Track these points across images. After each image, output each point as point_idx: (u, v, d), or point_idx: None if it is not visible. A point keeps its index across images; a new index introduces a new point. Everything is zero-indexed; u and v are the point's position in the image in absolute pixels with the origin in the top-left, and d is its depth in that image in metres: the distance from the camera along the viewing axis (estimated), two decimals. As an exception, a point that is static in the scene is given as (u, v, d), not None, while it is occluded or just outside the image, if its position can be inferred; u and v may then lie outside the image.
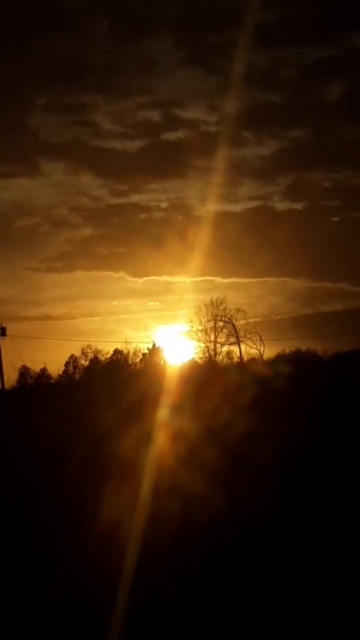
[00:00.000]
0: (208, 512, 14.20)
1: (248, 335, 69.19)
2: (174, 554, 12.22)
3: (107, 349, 79.51)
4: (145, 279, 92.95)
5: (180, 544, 12.78)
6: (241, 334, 69.35)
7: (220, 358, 69.07)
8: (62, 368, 77.67)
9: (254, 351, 68.93)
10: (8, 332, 62.67)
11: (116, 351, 76.51)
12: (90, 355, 76.92)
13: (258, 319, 75.95)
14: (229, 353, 69.93)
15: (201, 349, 69.63)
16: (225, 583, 11.07)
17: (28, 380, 75.85)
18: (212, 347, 69.34)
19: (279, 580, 11.04)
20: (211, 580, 11.21)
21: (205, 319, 69.55)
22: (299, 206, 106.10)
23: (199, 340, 69.88)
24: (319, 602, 10.35)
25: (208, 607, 10.25)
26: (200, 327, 69.69)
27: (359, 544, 12.81)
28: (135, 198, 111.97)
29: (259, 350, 68.80)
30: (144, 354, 75.00)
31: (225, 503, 14.90)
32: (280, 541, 12.95)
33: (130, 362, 74.70)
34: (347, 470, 18.98)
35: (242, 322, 70.09)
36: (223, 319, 69.69)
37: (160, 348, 74.71)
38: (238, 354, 69.14)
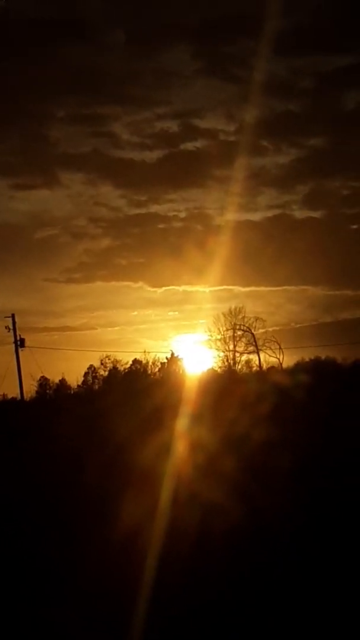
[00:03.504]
0: (227, 522, 14.09)
1: (267, 344, 69.18)
2: (192, 563, 12.11)
3: (126, 359, 79.76)
4: (164, 288, 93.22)
5: (199, 554, 12.68)
6: (260, 342, 69.33)
7: (240, 367, 69.06)
8: (81, 378, 77.94)
9: (273, 360, 68.89)
10: (27, 343, 62.66)
11: (135, 361, 76.70)
12: (109, 366, 77.14)
13: (277, 328, 75.93)
14: (248, 362, 69.91)
15: (220, 358, 69.67)
16: (244, 593, 10.95)
17: (47, 390, 76.07)
18: (231, 356, 69.34)
19: (298, 591, 10.90)
20: (230, 590, 11.09)
21: (224, 328, 69.58)
22: (317, 214, 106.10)
23: (218, 350, 69.91)
24: (337, 613, 10.21)
25: (228, 617, 10.13)
26: (219, 336, 69.74)
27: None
28: (154, 208, 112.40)
29: (278, 359, 68.74)
30: (162, 364, 75.03)
31: (244, 513, 14.79)
32: (299, 551, 12.80)
33: (149, 371, 74.79)
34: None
35: (261, 330, 70.09)
36: (242, 327, 69.71)
37: (179, 357, 74.79)
38: (257, 362, 69.05)
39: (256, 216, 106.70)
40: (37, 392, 73.57)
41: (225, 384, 48.49)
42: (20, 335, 62.10)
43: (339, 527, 14.38)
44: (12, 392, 66.10)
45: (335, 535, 13.77)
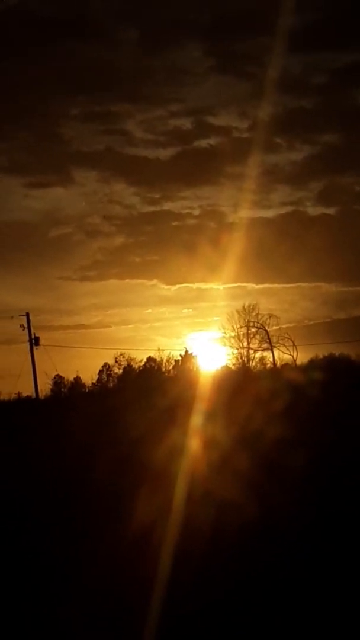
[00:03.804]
0: (240, 520, 14.05)
1: (281, 341, 69.00)
2: (207, 561, 12.09)
3: (140, 356, 79.99)
4: (178, 286, 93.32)
5: (213, 551, 12.66)
6: (274, 339, 69.19)
7: (253, 364, 68.96)
8: (95, 376, 78.06)
9: (287, 357, 68.71)
10: (42, 341, 62.93)
11: (149, 359, 76.79)
12: (124, 363, 77.25)
13: (291, 325, 75.82)
14: (262, 359, 69.79)
15: (234, 355, 69.61)
16: (257, 590, 10.92)
17: (62, 389, 76.24)
18: (245, 353, 69.28)
19: (311, 590, 10.86)
20: (244, 588, 11.06)
21: (238, 325, 69.51)
22: (331, 211, 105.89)
23: (232, 347, 69.84)
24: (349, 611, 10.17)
25: (239, 615, 10.11)
26: (233, 334, 69.67)
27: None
28: (167, 206, 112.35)
29: (292, 356, 68.55)
30: (176, 361, 75.05)
31: (258, 510, 14.76)
32: (313, 549, 12.76)
33: (163, 369, 74.79)
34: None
35: (275, 327, 69.95)
36: (256, 325, 69.55)
37: (193, 355, 74.79)
38: (271, 359, 68.92)
39: (269, 213, 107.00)
40: (52, 390, 73.80)
41: (239, 381, 48.45)
42: (34, 334, 62.35)
43: (354, 526, 14.32)
44: (27, 391, 66.34)
45: (349, 535, 13.71)
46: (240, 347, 69.33)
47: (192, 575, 11.34)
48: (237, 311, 69.89)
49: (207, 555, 12.31)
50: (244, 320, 69.36)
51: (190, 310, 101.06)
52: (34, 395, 63.21)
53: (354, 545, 12.90)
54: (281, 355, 68.67)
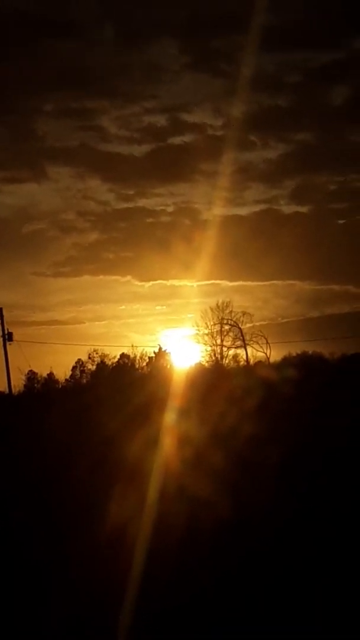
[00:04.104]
0: (214, 516, 14.20)
1: (254, 339, 69.18)
2: (181, 557, 12.23)
3: (113, 353, 79.84)
4: (152, 283, 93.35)
5: (187, 548, 12.80)
6: (247, 337, 69.36)
7: (227, 361, 69.08)
8: (69, 372, 77.91)
9: (260, 354, 68.91)
10: (15, 337, 62.51)
11: (123, 355, 76.70)
12: (97, 360, 77.15)
13: (264, 322, 76.09)
14: (235, 356, 69.90)
15: (207, 352, 69.68)
16: (231, 586, 11.09)
17: (35, 384, 75.99)
18: (219, 350, 69.38)
19: (285, 585, 11.05)
20: (218, 583, 11.22)
21: (212, 323, 69.56)
22: (305, 209, 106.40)
23: (205, 344, 69.90)
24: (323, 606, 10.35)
25: (214, 610, 10.27)
26: (206, 331, 69.71)
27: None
28: (141, 202, 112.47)
29: (266, 354, 68.77)
30: (150, 358, 75.07)
31: (232, 507, 14.90)
32: (286, 545, 12.94)
33: (136, 366, 74.77)
34: (354, 474, 18.97)
35: (249, 325, 70.12)
36: (229, 322, 69.66)
37: (167, 352, 74.82)
38: (244, 357, 69.10)
39: (243, 211, 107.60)
40: (25, 386, 73.49)
41: (213, 379, 48.61)
42: (8, 329, 62.03)
43: (325, 519, 14.51)
44: (0, 386, 66.15)
45: (321, 528, 13.90)
46: (214, 345, 69.51)
47: (167, 571, 11.48)
48: (211, 308, 70.05)
49: (182, 551, 12.45)
50: (218, 317, 69.54)
51: (164, 307, 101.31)
52: (7, 391, 63.10)
53: (326, 541, 13.09)
54: (254, 352, 68.94)
